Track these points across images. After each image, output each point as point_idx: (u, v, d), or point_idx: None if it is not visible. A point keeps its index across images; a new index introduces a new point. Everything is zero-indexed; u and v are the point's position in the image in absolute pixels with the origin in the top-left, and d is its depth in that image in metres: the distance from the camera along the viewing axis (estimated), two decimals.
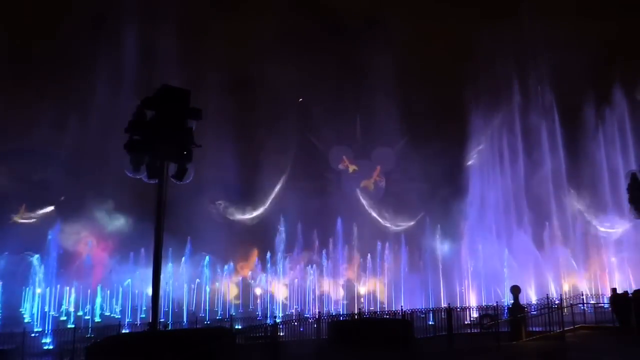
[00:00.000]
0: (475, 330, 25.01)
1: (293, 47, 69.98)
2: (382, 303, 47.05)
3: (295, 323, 24.37)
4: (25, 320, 39.38)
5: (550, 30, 57.49)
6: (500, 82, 53.75)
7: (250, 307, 49.31)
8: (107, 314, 44.10)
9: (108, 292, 47.43)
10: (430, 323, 25.68)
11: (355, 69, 71.26)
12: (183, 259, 50.84)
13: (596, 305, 30.62)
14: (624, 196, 31.98)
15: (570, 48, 54.67)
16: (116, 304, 46.93)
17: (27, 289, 46.55)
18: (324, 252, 55.37)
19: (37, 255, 45.53)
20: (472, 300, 41.13)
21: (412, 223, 61.71)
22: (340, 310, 43.38)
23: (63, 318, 40.17)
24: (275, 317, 25.60)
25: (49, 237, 47.61)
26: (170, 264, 49.05)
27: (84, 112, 55.47)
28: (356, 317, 27.45)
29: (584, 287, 44.72)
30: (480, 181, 50.51)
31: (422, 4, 71.45)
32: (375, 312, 33.52)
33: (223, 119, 55.29)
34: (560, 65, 54.01)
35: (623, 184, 35.82)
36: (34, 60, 62.34)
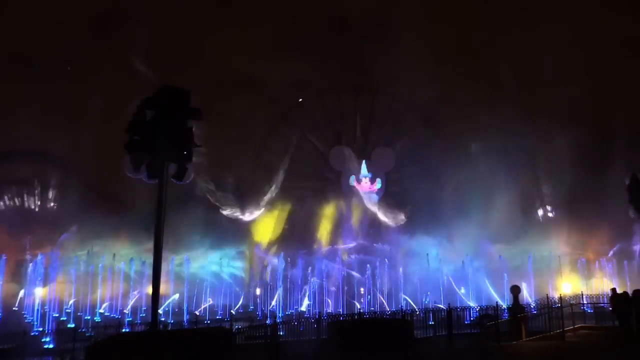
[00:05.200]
0: (475, 331, 25.03)
1: (295, 46, 70.13)
2: (382, 303, 47.05)
3: (295, 323, 24.39)
4: (26, 320, 39.38)
5: (558, 29, 57.58)
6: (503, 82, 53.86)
7: (251, 307, 49.31)
8: (107, 313, 44.09)
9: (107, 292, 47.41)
10: (430, 323, 25.69)
11: (357, 68, 71.42)
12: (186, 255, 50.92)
13: (596, 305, 30.64)
14: None
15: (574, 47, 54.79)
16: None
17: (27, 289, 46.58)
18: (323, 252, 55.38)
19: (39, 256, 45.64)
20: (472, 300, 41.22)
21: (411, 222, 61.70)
22: (340, 310, 43.40)
23: (63, 318, 40.18)
24: (275, 317, 25.63)
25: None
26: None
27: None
28: (356, 317, 27.46)
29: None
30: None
31: (427, 3, 71.46)
32: (376, 312, 33.50)
33: (223, 118, 55.36)
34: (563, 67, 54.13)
35: None
36: (36, 59, 62.37)
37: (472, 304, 36.67)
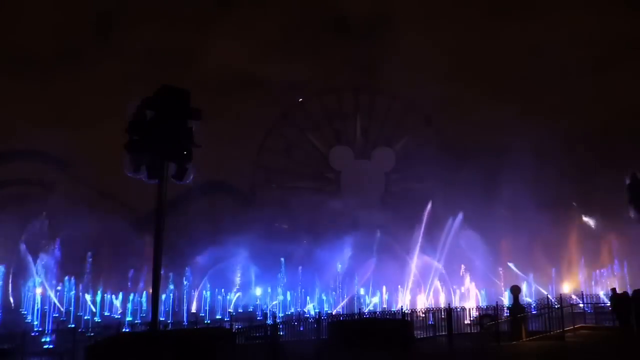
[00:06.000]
0: (475, 330, 25.03)
1: (295, 46, 70.24)
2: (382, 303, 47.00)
3: (295, 323, 24.39)
4: (26, 320, 39.42)
5: (559, 29, 57.56)
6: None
7: (250, 308, 49.26)
8: (107, 313, 44.12)
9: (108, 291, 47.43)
10: (430, 323, 25.68)
11: (357, 68, 71.57)
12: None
13: (596, 305, 30.64)
14: None
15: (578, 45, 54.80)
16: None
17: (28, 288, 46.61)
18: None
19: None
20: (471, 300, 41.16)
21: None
22: (341, 310, 43.34)
23: (63, 318, 40.17)
24: (275, 317, 25.61)
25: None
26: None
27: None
28: (356, 317, 27.45)
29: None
30: None
31: (428, 4, 71.74)
32: (375, 312, 33.49)
33: (223, 118, 55.47)
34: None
35: None
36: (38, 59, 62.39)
37: (481, 301, 36.71)
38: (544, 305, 24.51)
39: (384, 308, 41.20)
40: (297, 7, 74.20)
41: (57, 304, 41.73)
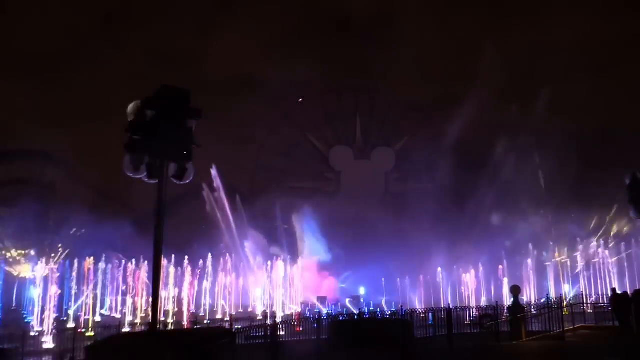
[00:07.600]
0: (475, 330, 25.02)
1: (296, 46, 70.23)
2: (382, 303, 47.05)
3: (295, 323, 24.39)
4: (26, 321, 39.42)
5: (560, 29, 57.51)
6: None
7: (250, 308, 49.28)
8: (107, 313, 44.11)
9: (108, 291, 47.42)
10: (430, 323, 25.67)
11: (357, 68, 71.53)
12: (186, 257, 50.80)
13: (596, 305, 30.63)
14: None
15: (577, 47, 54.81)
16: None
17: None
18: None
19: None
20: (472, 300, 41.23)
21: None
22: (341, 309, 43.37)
23: (63, 318, 40.18)
24: (275, 317, 25.65)
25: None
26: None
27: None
28: (356, 317, 27.45)
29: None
30: None
31: (428, 4, 71.82)
32: (375, 312, 33.48)
33: (223, 118, 55.47)
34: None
35: None
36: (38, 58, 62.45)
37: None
38: (544, 305, 24.50)
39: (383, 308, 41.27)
40: (298, 7, 74.25)
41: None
